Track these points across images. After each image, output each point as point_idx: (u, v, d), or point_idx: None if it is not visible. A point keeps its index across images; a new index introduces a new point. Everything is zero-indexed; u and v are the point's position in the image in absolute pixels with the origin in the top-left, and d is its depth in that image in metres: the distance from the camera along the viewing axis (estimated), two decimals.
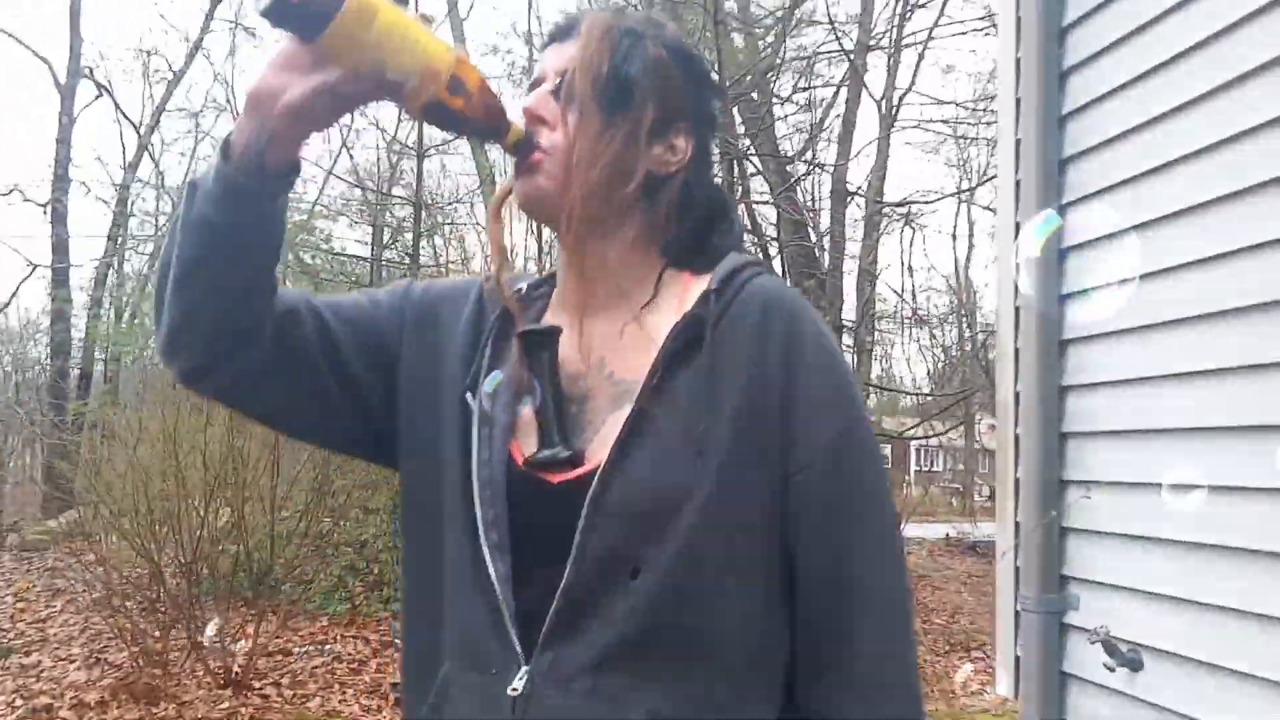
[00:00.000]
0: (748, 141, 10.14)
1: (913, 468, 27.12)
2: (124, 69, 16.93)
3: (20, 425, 13.92)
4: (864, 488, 0.90)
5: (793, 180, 11.01)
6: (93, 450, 7.54)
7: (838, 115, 11.59)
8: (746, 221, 10.78)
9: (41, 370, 15.20)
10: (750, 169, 10.44)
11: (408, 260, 12.43)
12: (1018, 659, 2.72)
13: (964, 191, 14.32)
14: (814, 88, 11.48)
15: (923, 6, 11.29)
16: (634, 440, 0.87)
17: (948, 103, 12.99)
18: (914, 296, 15.70)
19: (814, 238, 11.31)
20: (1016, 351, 2.72)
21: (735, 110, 8.85)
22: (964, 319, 16.80)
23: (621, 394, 0.92)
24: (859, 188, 11.42)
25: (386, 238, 13.34)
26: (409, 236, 12.59)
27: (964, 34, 12.00)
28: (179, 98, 16.77)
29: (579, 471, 0.90)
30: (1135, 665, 2.31)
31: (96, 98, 16.65)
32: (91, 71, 16.21)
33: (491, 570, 0.88)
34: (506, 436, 0.94)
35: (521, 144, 0.93)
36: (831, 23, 9.97)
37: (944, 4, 11.45)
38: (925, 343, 18.35)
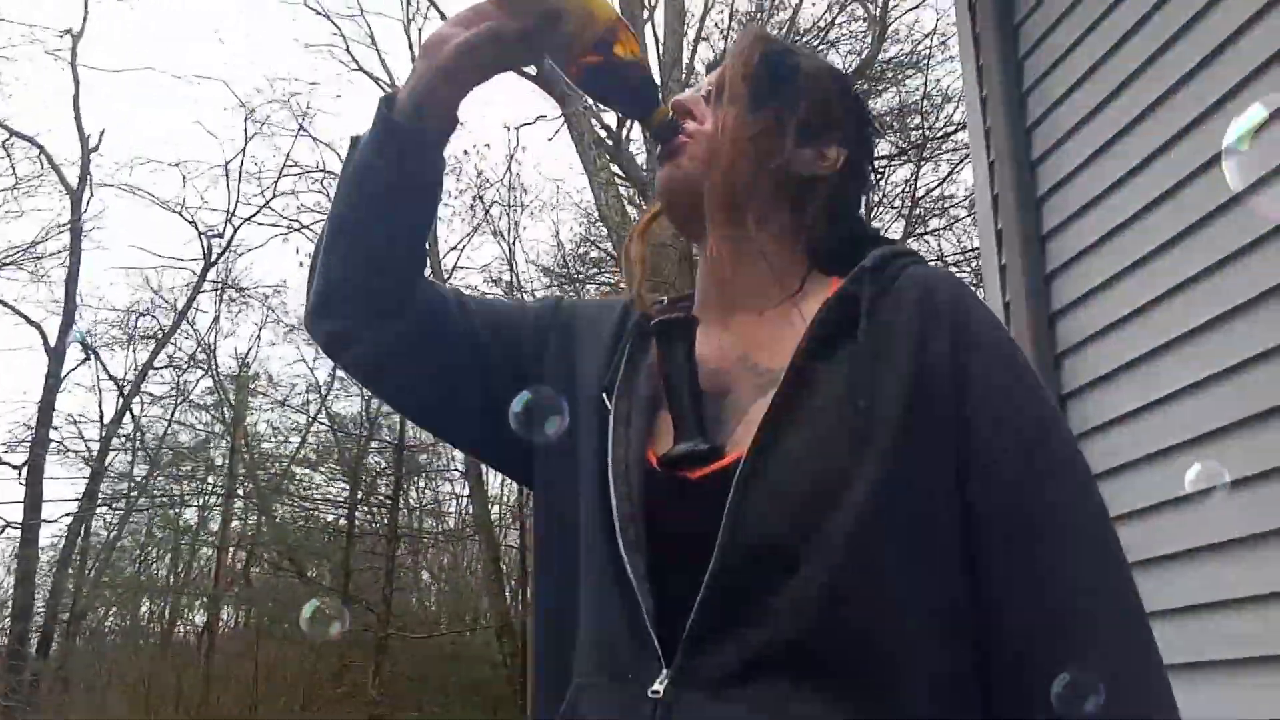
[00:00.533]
0: None
1: None
2: (112, 334, 17.08)
3: None
4: (1070, 483, 0.79)
5: None
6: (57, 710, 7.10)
7: None
8: None
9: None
10: None
11: (387, 504, 12.31)
12: None
13: None
14: None
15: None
16: (783, 422, 0.79)
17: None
18: None
19: None
20: None
21: None
22: None
23: (767, 383, 0.85)
24: None
25: (364, 486, 13.28)
26: (387, 480, 12.54)
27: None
28: (163, 356, 16.94)
29: (720, 464, 0.81)
30: None
31: (83, 361, 16.93)
32: (83, 336, 16.62)
33: (629, 567, 0.79)
34: (643, 437, 0.88)
35: (666, 126, 0.94)
36: None
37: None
38: None
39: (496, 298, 0.98)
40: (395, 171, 0.89)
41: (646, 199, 9.53)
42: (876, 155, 1.05)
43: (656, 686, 0.75)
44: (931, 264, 0.91)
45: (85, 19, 17.10)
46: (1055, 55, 2.74)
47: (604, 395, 0.92)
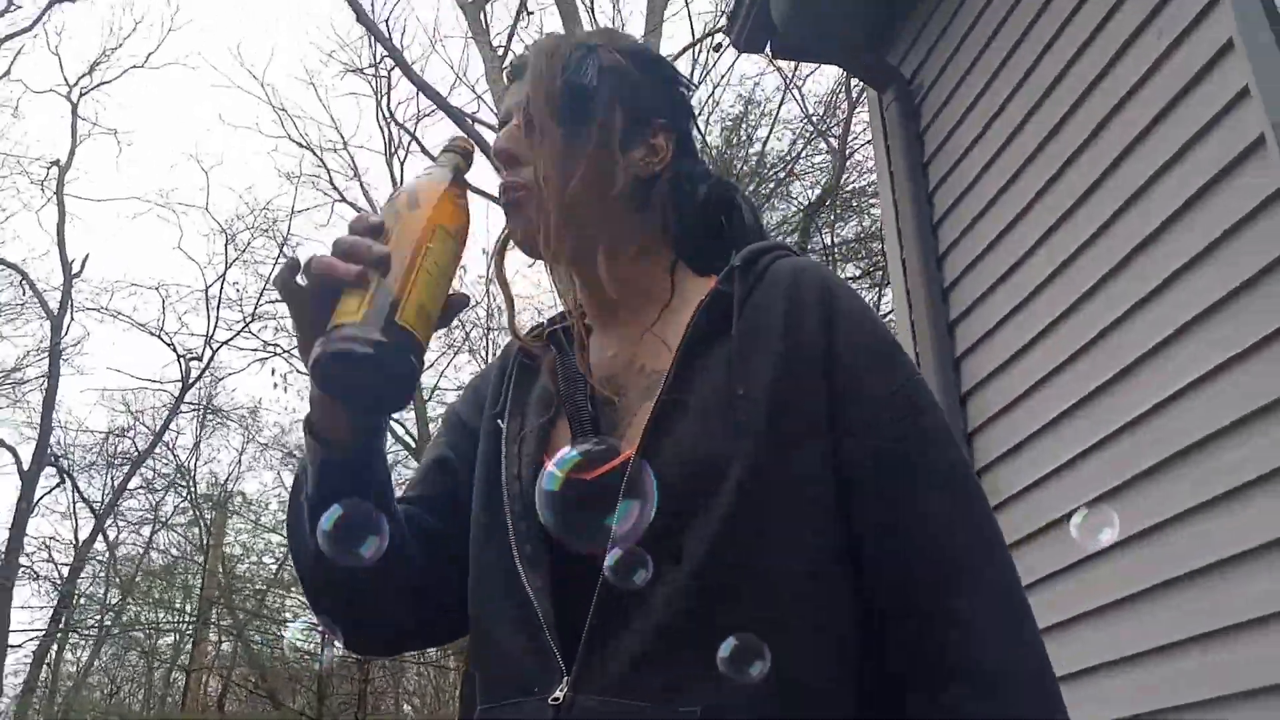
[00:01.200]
0: None
1: None
2: (85, 456, 17.04)
3: None
4: (937, 447, 0.84)
5: None
6: None
7: None
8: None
9: None
10: None
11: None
12: None
13: None
14: None
15: None
16: (665, 420, 0.82)
17: None
18: None
19: None
20: None
21: None
22: None
23: (654, 384, 0.87)
24: None
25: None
26: None
27: None
28: (137, 478, 16.88)
29: (612, 464, 0.81)
30: None
31: (58, 484, 16.83)
32: (56, 459, 16.57)
33: (526, 584, 0.81)
34: (539, 450, 0.90)
35: (503, 189, 0.95)
36: None
37: None
38: None
39: (431, 471, 0.99)
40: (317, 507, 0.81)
41: None
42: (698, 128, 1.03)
43: (557, 694, 0.76)
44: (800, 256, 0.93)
45: (72, 151, 17.60)
46: (961, 187, 3.02)
47: (497, 420, 0.94)
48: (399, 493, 0.97)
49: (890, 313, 11.64)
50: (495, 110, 9.84)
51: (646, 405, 0.86)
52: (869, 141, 11.32)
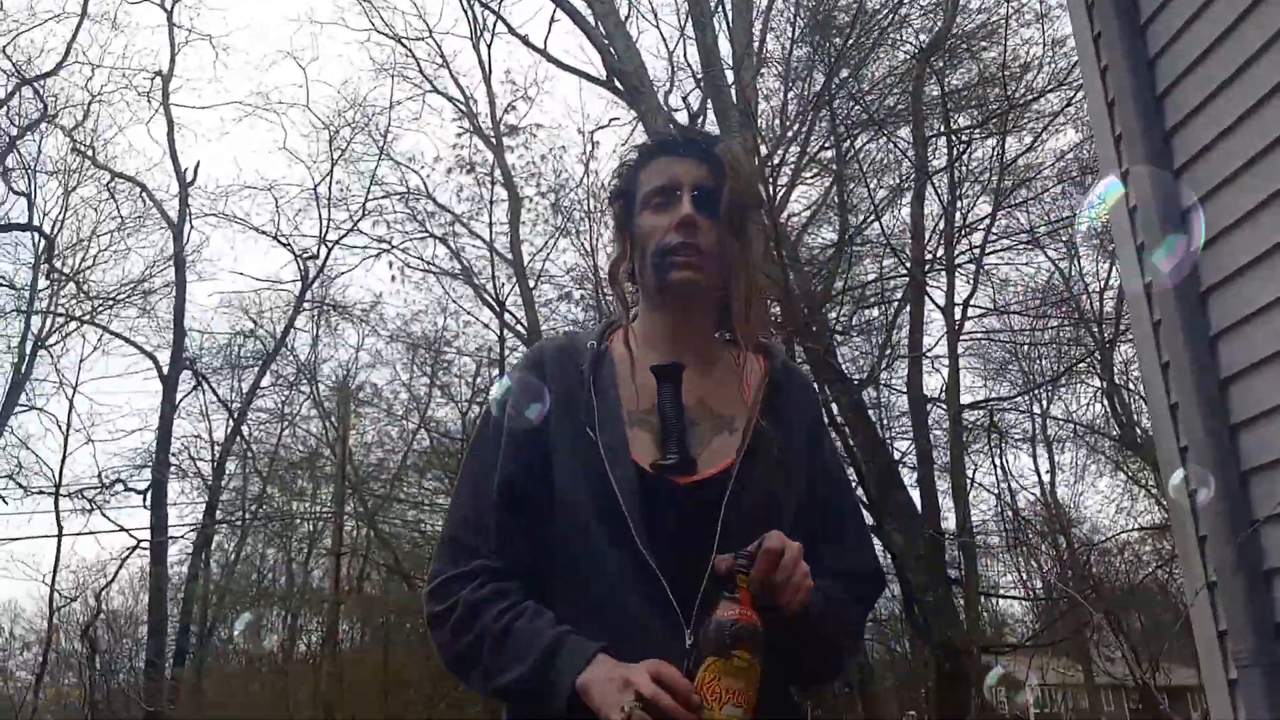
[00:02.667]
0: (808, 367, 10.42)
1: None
2: (213, 360, 17.79)
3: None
4: (851, 499, 1.50)
5: (863, 384, 11.13)
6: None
7: (901, 334, 11.85)
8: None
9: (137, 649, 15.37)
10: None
11: None
12: None
13: (1038, 387, 14.20)
14: (876, 304, 11.81)
15: (971, 230, 11.83)
16: (750, 457, 1.30)
17: (1006, 311, 13.18)
18: (1013, 513, 15.19)
19: (895, 454, 11.28)
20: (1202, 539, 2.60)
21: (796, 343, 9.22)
22: (1059, 534, 16.18)
23: (723, 424, 1.35)
24: (937, 395, 11.49)
25: None
26: None
27: (1012, 249, 12.36)
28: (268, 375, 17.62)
29: (701, 476, 1.29)
30: None
31: (194, 387, 17.69)
32: (191, 363, 17.39)
33: (654, 564, 1.22)
34: (628, 453, 1.29)
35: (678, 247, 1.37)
36: (888, 242, 10.48)
37: (991, 223, 11.86)
38: (1023, 568, 17.52)
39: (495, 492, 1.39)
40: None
41: None
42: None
43: (688, 643, 1.20)
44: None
45: (173, 60, 17.88)
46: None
47: (589, 430, 1.31)
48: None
49: (1019, 157, 11.01)
50: None
51: (719, 439, 1.34)
52: None
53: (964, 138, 11.13)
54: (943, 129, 11.02)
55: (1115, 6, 2.83)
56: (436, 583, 1.31)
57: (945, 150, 11.35)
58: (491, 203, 14.55)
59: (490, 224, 14.48)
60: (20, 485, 15.49)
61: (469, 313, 14.94)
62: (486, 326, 14.67)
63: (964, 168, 11.42)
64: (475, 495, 1.35)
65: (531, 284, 13.92)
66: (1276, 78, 2.41)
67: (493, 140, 14.36)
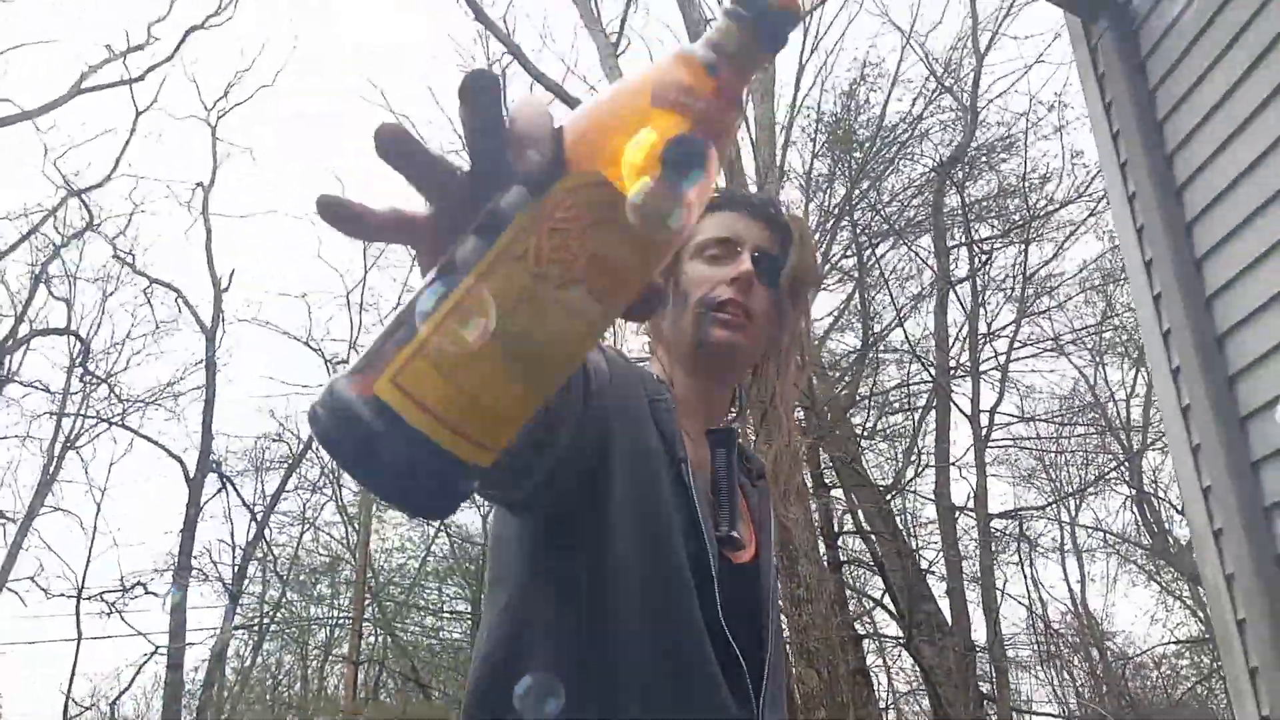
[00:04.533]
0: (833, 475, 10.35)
1: None
2: (240, 459, 17.90)
3: None
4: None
5: (889, 496, 11.01)
6: None
7: (926, 440, 11.79)
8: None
9: None
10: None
11: None
12: None
13: (1070, 496, 14.00)
14: (900, 410, 11.80)
15: (995, 336, 11.90)
16: (764, 537, 1.22)
17: (1034, 419, 13.13)
18: (1044, 624, 14.80)
19: (923, 563, 11.09)
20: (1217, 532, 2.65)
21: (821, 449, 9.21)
22: (1091, 646, 15.71)
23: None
24: (964, 504, 11.36)
25: None
26: None
27: (1037, 355, 12.40)
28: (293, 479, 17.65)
29: (750, 555, 1.18)
30: None
31: (219, 490, 17.70)
32: (217, 466, 17.46)
33: (734, 644, 1.06)
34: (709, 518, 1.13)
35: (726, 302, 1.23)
36: (912, 349, 10.54)
37: (1015, 331, 11.94)
38: (1057, 682, 16.96)
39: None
40: None
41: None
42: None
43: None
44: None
45: (214, 171, 18.51)
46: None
47: (684, 474, 1.11)
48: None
49: (1043, 267, 11.02)
50: None
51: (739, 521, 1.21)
52: (1001, 94, 11.03)
53: (985, 247, 11.32)
54: (964, 239, 11.21)
55: (1134, 107, 2.97)
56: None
57: (967, 259, 11.52)
58: None
59: None
60: (41, 588, 15.44)
61: None
62: None
63: (986, 276, 11.58)
64: None
65: None
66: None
67: None
